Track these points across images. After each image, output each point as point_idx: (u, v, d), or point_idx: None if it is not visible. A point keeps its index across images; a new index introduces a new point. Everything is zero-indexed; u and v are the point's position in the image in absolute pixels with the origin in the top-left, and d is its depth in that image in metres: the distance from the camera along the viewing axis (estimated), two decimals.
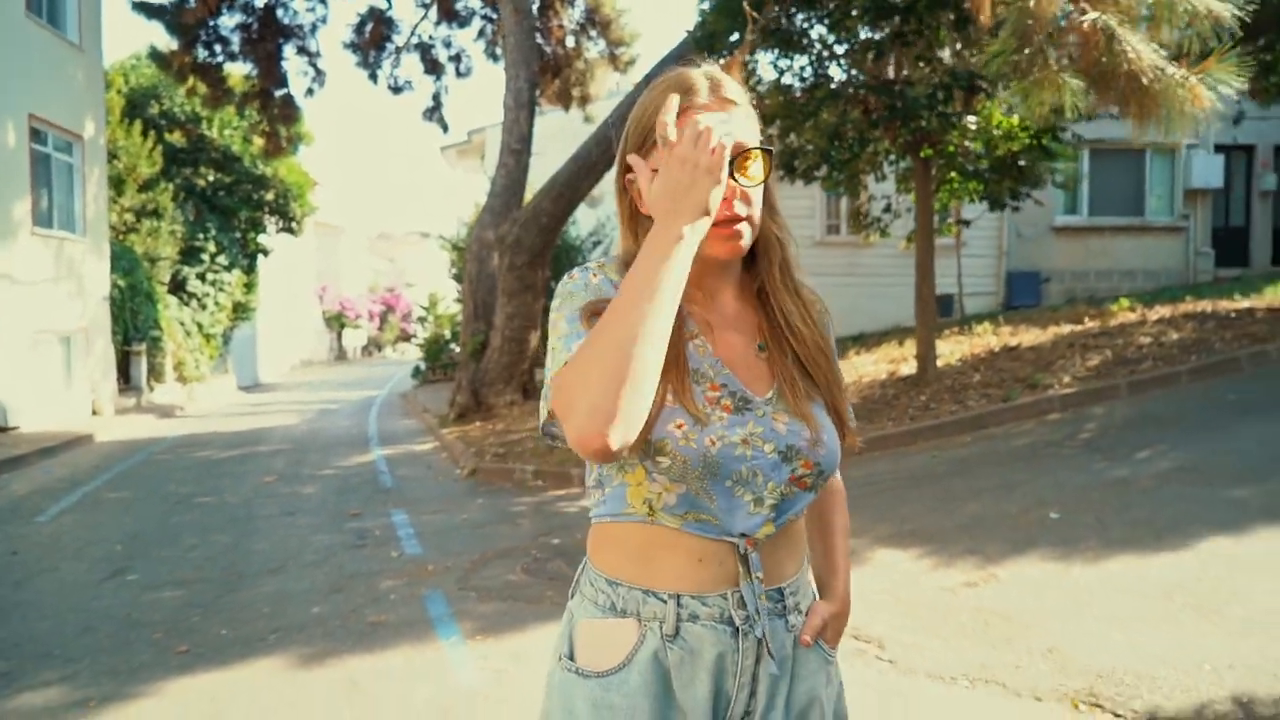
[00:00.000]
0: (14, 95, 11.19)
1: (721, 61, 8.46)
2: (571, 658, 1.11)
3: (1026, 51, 3.21)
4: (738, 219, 1.09)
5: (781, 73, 8.72)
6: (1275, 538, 4.42)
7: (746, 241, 1.12)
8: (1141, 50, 3.16)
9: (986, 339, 10.91)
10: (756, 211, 1.12)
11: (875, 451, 7.35)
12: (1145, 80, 3.16)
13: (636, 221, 1.17)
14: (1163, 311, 11.06)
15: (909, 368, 9.61)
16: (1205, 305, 11.25)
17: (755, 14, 7.52)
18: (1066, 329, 11.10)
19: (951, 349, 10.55)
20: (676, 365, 1.06)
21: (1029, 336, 10.69)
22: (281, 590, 4.66)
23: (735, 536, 1.07)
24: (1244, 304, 11.07)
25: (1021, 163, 9.32)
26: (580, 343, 1.01)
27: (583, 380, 0.94)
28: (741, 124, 1.11)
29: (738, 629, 1.07)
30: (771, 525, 1.09)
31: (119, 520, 6.45)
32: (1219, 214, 17.05)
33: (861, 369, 10.42)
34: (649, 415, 0.98)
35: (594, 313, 1.06)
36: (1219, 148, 16.18)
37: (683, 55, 10.78)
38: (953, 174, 9.49)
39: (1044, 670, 3.34)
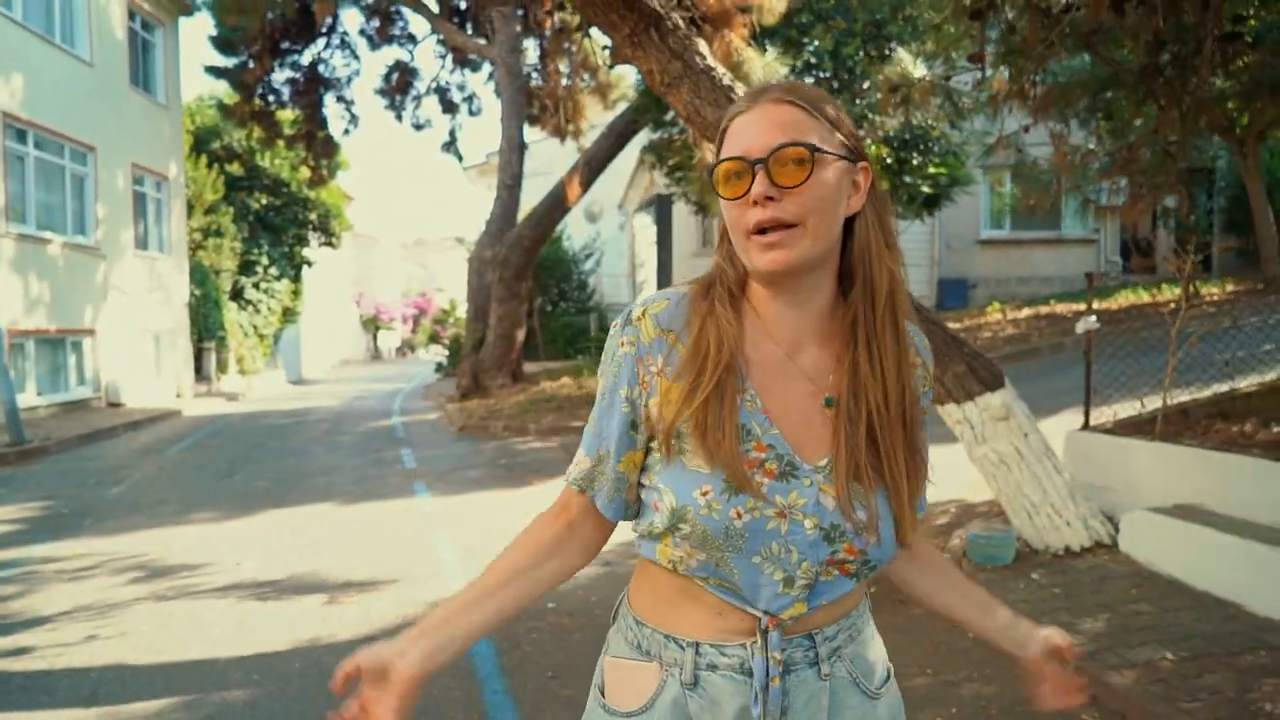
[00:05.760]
0: (122, 149, 14.53)
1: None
2: (602, 692, 1.09)
3: None
4: (776, 224, 0.95)
5: None
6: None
7: (794, 252, 0.95)
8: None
9: None
10: (814, 217, 0.95)
11: None
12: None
13: (727, 242, 1.05)
14: (1026, 313, 13.78)
15: None
16: (1065, 307, 13.94)
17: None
18: None
19: None
20: (720, 424, 0.96)
21: None
22: (328, 482, 7.71)
23: (758, 612, 0.99)
24: (1096, 306, 13.71)
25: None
26: (589, 432, 1.07)
27: None
28: (790, 124, 0.96)
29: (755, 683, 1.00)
30: (803, 606, 0.99)
31: (219, 454, 9.58)
32: (1126, 228, 19.55)
33: None
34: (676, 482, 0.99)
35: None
36: None
37: (626, 124, 13.82)
38: None
39: None
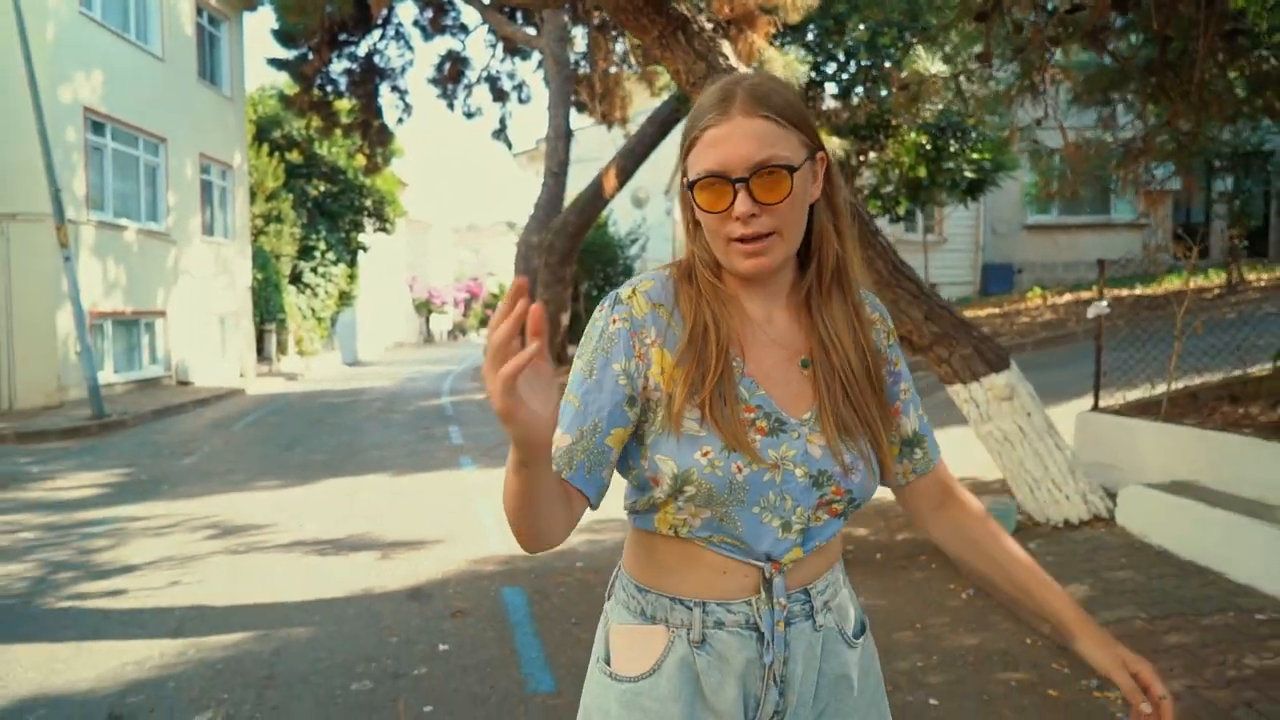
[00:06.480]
0: (190, 140, 15.31)
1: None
2: (607, 661, 1.13)
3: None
4: (758, 236, 1.03)
5: None
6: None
7: (774, 258, 1.05)
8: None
9: None
10: (790, 227, 1.05)
11: None
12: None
13: (695, 234, 1.12)
14: (1067, 298, 13.78)
15: None
16: (1107, 292, 13.88)
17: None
18: (985, 312, 13.96)
19: None
20: (724, 399, 1.04)
21: None
22: (381, 455, 8.24)
23: (761, 560, 1.07)
24: (1138, 291, 13.66)
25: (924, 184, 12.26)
26: (569, 410, 1.04)
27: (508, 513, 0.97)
28: (764, 138, 1.02)
29: (763, 635, 1.07)
30: (799, 550, 1.08)
31: (281, 429, 10.21)
32: (1179, 212, 19.24)
33: None
34: (674, 447, 1.03)
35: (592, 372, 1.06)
36: None
37: (670, 112, 14.11)
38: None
39: None
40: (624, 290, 1.10)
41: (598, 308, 1.11)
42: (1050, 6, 4.63)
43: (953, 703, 3.04)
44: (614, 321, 1.08)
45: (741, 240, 1.03)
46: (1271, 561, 3.73)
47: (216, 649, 3.64)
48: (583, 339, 1.10)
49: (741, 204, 1.01)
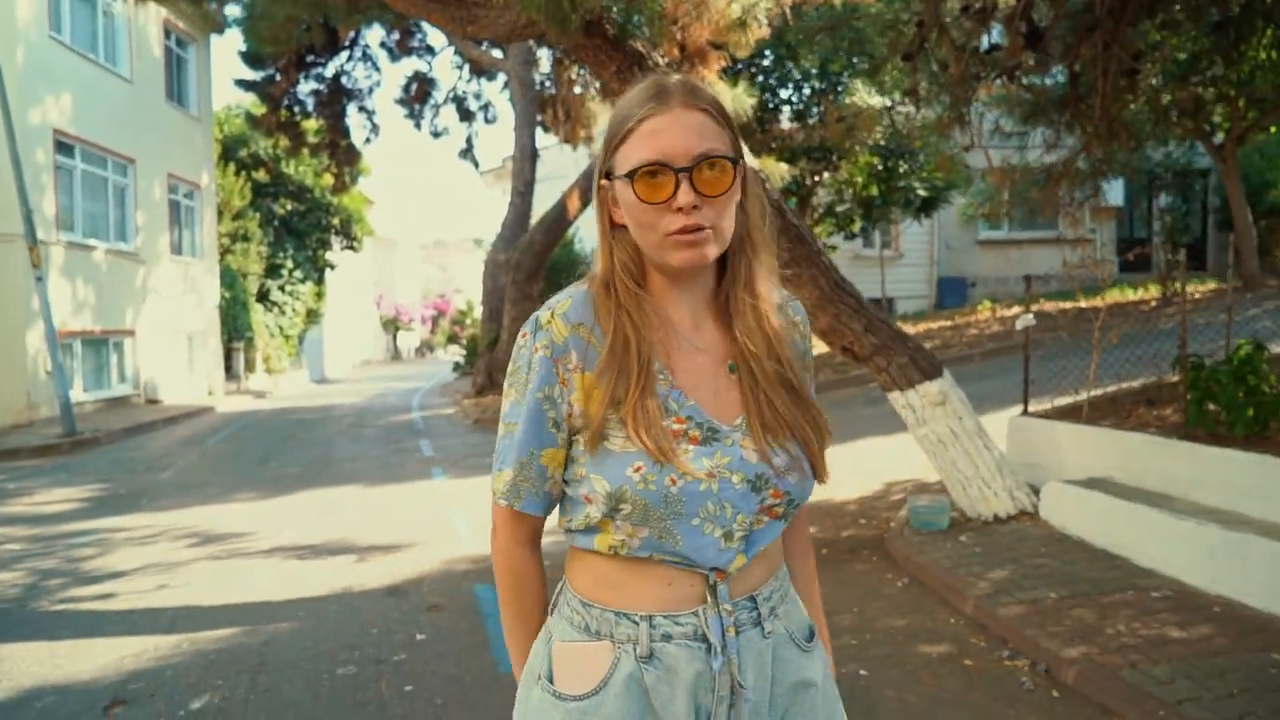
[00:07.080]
0: (159, 160, 15.46)
1: None
2: (550, 680, 1.09)
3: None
4: (698, 228, 1.03)
5: None
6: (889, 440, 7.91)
7: (709, 251, 1.05)
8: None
9: None
10: (725, 222, 1.06)
11: None
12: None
13: (613, 236, 1.12)
14: (1015, 311, 14.37)
15: None
16: (1054, 305, 14.52)
17: None
18: (937, 324, 14.52)
19: None
20: (646, 412, 1.03)
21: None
22: (354, 468, 8.50)
23: (705, 570, 1.06)
24: (1081, 303, 14.29)
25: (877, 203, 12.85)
26: (507, 443, 1.12)
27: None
28: (704, 130, 1.04)
29: (712, 645, 1.05)
30: (743, 558, 1.07)
31: (254, 444, 10.40)
32: (1124, 228, 20.07)
33: None
34: (609, 466, 1.05)
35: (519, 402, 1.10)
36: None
37: None
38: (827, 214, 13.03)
39: None
40: (543, 314, 1.10)
41: (520, 333, 1.12)
42: (972, 46, 5.09)
43: (881, 673, 3.42)
44: (537, 350, 1.09)
45: (682, 231, 1.03)
46: (1168, 546, 4.17)
47: (209, 642, 3.92)
48: (510, 366, 1.12)
49: (685, 194, 1.02)
